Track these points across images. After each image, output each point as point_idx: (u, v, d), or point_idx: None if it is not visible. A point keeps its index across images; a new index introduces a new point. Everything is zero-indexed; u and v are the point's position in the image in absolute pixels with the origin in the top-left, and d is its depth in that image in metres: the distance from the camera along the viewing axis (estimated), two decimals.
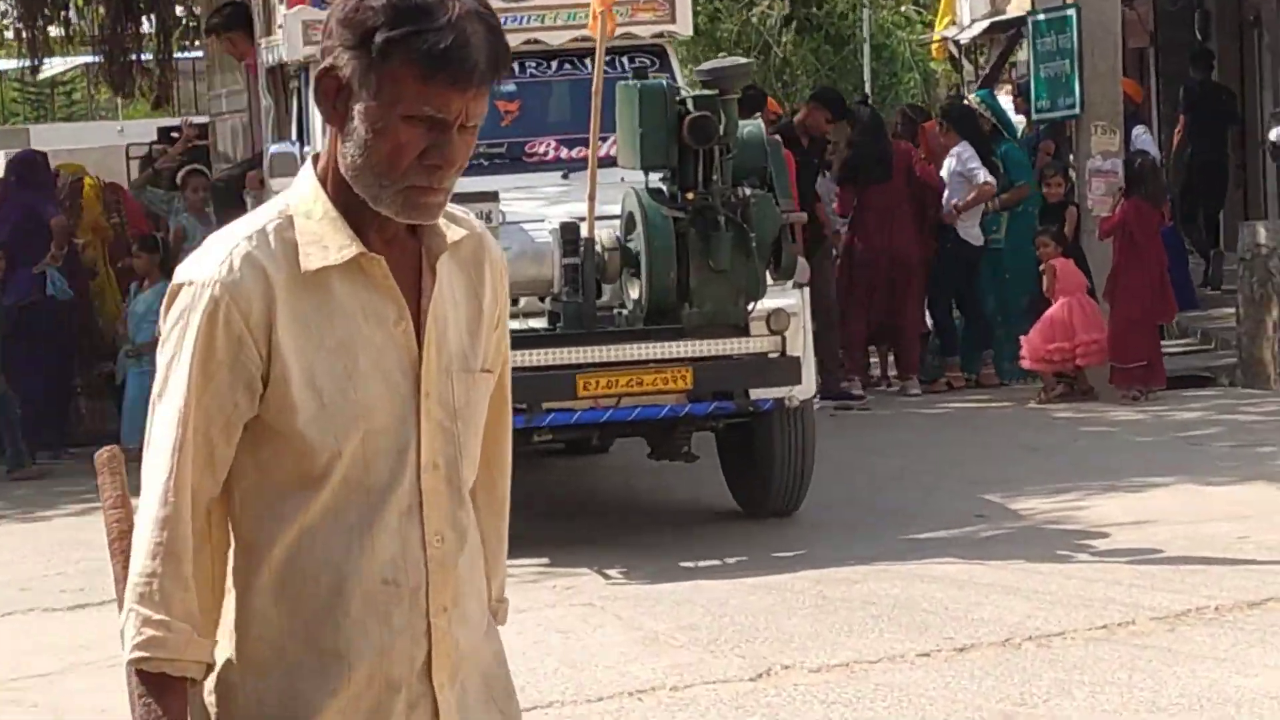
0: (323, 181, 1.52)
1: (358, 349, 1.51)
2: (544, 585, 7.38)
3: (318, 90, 1.49)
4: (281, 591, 1.54)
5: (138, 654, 1.50)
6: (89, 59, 16.88)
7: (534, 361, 7.27)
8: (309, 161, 1.60)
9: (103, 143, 18.13)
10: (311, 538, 1.52)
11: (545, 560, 7.61)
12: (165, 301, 1.54)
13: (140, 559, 1.50)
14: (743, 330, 7.43)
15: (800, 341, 7.70)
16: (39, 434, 10.61)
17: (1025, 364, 10.45)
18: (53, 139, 18.35)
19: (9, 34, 15.35)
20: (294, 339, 1.50)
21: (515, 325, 7.43)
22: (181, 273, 1.52)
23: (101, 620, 7.02)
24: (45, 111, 23.26)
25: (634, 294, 7.45)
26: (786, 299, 7.57)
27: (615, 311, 7.67)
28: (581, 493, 9.99)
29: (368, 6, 1.42)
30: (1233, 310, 11.05)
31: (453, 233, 1.56)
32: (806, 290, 8.20)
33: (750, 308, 7.37)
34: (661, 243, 7.20)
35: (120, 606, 1.63)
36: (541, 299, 7.72)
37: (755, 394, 7.50)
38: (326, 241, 1.49)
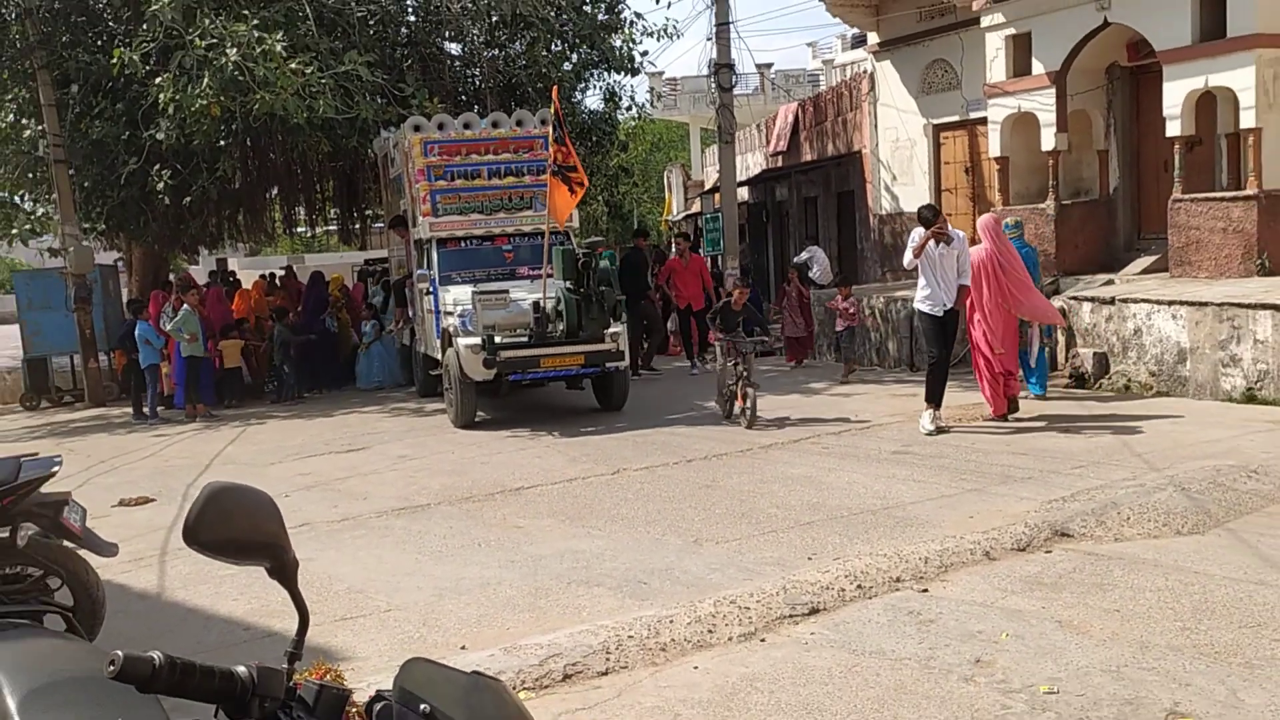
0: None
1: None
2: (527, 440, 10.72)
3: None
4: None
5: None
6: (332, 227, 23.81)
7: (524, 353, 11.34)
8: None
9: (334, 261, 26.22)
10: None
11: (528, 430, 11.33)
12: None
13: None
14: (602, 340, 11.57)
15: (624, 345, 11.79)
16: (320, 382, 17.38)
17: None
18: (313, 260, 26.73)
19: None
20: None
21: (513, 340, 11.45)
22: None
23: (363, 456, 10.53)
24: (309, 248, 34.30)
25: (560, 327, 11.54)
26: (618, 329, 11.75)
27: (553, 334, 11.54)
28: (541, 402, 13.49)
29: None
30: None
31: None
32: (626, 326, 12.14)
33: (605, 333, 11.51)
34: (570, 307, 11.40)
35: None
36: (525, 330, 11.51)
37: (607, 365, 11.64)
38: None
